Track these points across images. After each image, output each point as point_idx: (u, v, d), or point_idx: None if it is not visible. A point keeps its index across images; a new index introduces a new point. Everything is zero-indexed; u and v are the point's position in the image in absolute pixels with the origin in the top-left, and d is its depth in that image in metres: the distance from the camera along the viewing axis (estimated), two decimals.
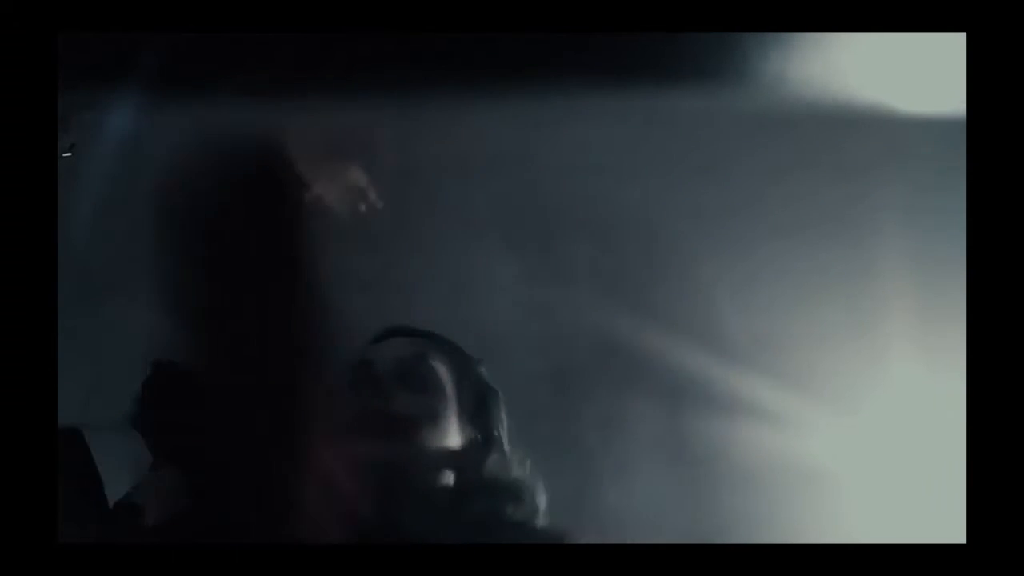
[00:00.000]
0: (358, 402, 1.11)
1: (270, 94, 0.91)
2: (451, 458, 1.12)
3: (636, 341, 1.06)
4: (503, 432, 1.18)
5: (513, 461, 1.15)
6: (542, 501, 1.11)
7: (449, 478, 1.11)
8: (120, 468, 1.08)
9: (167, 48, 0.89)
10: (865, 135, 1.38)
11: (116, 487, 1.08)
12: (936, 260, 1.21)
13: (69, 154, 1.38)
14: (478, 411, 1.19)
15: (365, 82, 0.88)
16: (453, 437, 1.15)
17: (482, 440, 1.16)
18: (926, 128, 1.01)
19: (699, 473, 1.07)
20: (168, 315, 1.01)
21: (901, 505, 1.21)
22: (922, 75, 0.97)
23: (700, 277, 1.17)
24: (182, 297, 1.01)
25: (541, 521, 1.11)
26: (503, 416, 1.20)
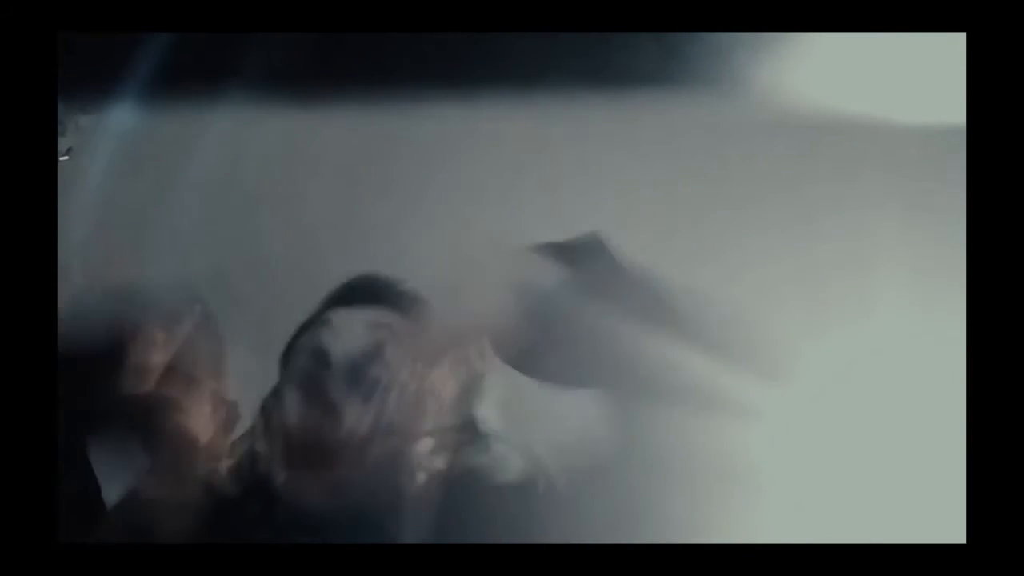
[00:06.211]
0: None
1: (272, 95, 0.91)
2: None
3: (638, 346, 1.06)
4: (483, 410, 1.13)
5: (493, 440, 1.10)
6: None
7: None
8: (118, 470, 1.07)
9: (168, 49, 0.89)
10: (863, 138, 1.38)
11: (114, 489, 1.08)
12: (935, 260, 1.22)
13: (66, 157, 1.38)
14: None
15: (368, 83, 0.88)
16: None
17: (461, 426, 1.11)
18: (925, 132, 1.02)
19: (692, 473, 1.07)
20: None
21: (901, 505, 1.21)
22: (921, 79, 0.97)
23: (698, 282, 1.17)
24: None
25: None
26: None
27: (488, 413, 1.14)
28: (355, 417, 1.04)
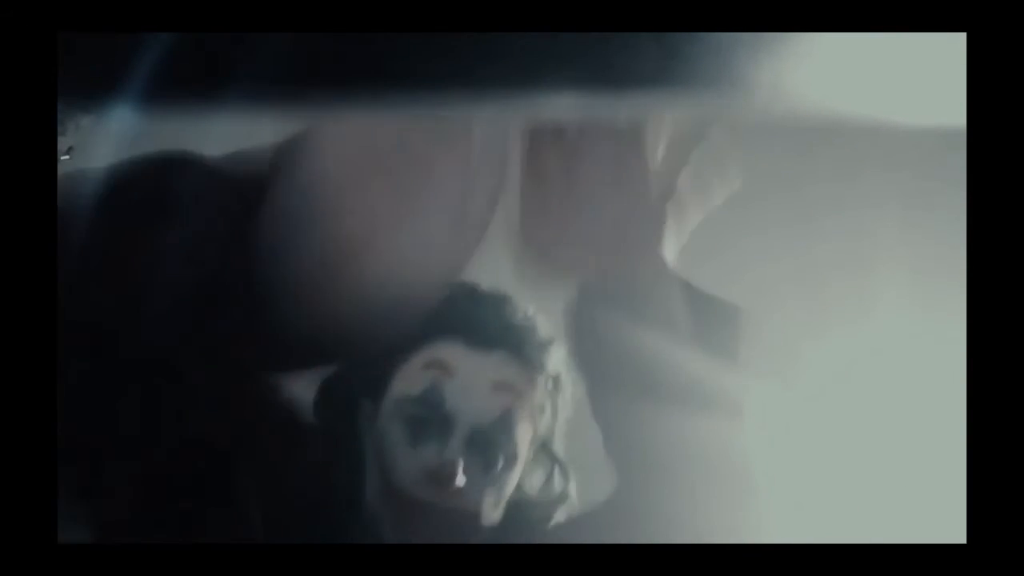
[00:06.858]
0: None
1: (272, 96, 0.91)
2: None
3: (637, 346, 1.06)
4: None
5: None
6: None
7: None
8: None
9: (170, 49, 0.89)
10: (863, 139, 1.38)
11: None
12: (935, 260, 1.22)
13: (67, 157, 1.38)
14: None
15: (368, 83, 0.88)
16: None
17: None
18: (925, 132, 1.02)
19: (691, 473, 1.07)
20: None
21: (901, 505, 1.22)
22: (921, 79, 0.97)
23: (698, 282, 1.17)
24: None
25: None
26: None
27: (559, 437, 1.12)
28: (471, 488, 1.00)
